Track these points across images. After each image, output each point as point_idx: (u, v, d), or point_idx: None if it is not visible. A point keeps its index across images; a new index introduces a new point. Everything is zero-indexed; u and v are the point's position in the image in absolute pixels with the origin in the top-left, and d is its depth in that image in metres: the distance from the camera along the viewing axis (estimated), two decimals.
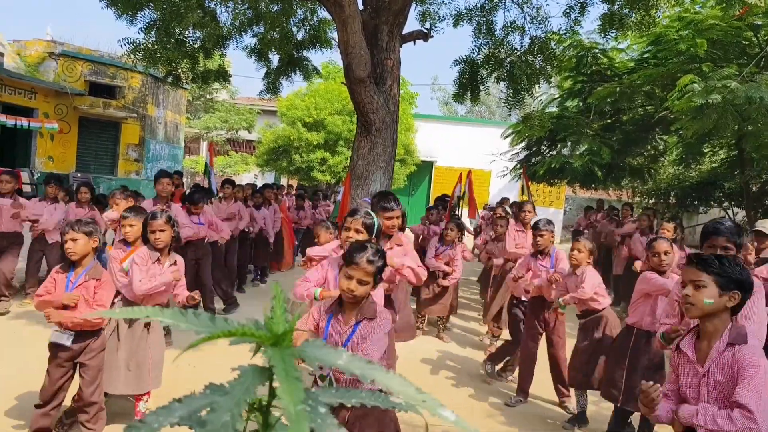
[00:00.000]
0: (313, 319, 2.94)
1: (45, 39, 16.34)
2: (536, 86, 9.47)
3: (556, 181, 13.24)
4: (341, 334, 2.85)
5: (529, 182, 12.06)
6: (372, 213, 3.85)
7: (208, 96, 24.72)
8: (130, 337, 3.85)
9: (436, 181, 22.60)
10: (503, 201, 11.35)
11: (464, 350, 6.75)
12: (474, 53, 8.83)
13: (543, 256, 5.28)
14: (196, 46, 9.37)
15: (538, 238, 5.22)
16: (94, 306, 3.50)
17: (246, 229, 8.55)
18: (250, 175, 24.38)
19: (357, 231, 3.65)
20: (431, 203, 13.28)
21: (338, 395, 0.73)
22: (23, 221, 6.80)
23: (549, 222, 5.35)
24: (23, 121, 13.54)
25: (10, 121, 13.19)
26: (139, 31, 8.70)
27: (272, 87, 10.63)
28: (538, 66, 8.68)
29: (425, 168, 22.15)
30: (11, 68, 14.60)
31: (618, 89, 9.21)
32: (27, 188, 13.72)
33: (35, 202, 7.12)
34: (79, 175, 15.80)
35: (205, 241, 6.88)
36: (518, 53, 8.64)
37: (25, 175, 13.97)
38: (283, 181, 22.44)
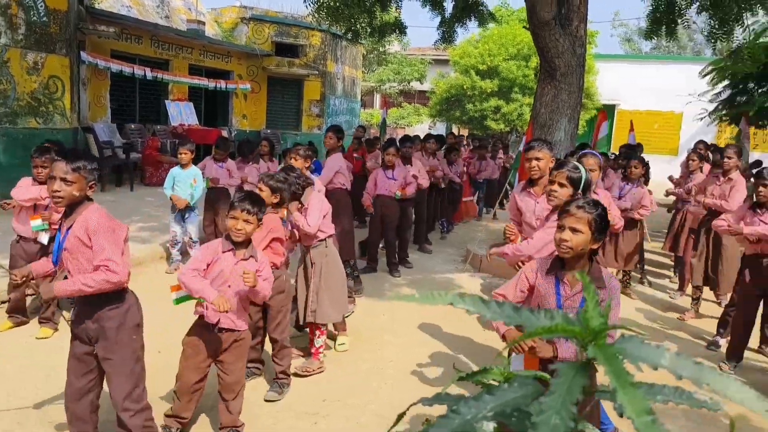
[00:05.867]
0: (526, 280, 2.75)
1: (237, 5, 17.67)
2: (747, 14, 8.29)
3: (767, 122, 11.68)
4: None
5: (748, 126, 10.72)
6: (580, 165, 3.46)
7: (381, 49, 25.18)
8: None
9: (619, 126, 20.98)
10: (697, 145, 10.19)
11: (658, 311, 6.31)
12: None
13: (764, 210, 4.57)
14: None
15: (761, 188, 4.53)
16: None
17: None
18: (423, 126, 24.63)
19: (561, 185, 3.34)
20: (613, 150, 12.34)
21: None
22: None
23: None
24: (222, 84, 15.09)
25: (211, 83, 14.76)
26: None
27: (447, 36, 10.52)
28: None
29: (606, 112, 20.61)
30: (211, 35, 16.04)
31: None
32: None
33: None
34: (268, 131, 17.12)
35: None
36: None
37: (224, 133, 15.48)
38: (454, 131, 22.37)
